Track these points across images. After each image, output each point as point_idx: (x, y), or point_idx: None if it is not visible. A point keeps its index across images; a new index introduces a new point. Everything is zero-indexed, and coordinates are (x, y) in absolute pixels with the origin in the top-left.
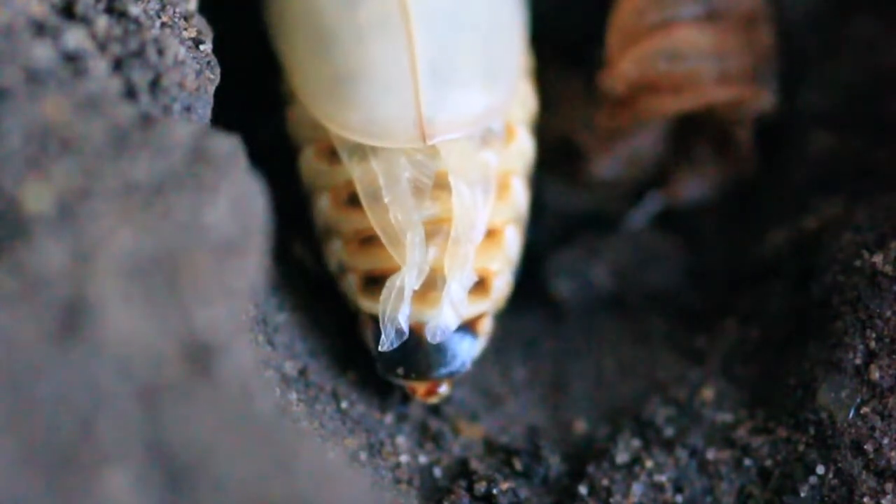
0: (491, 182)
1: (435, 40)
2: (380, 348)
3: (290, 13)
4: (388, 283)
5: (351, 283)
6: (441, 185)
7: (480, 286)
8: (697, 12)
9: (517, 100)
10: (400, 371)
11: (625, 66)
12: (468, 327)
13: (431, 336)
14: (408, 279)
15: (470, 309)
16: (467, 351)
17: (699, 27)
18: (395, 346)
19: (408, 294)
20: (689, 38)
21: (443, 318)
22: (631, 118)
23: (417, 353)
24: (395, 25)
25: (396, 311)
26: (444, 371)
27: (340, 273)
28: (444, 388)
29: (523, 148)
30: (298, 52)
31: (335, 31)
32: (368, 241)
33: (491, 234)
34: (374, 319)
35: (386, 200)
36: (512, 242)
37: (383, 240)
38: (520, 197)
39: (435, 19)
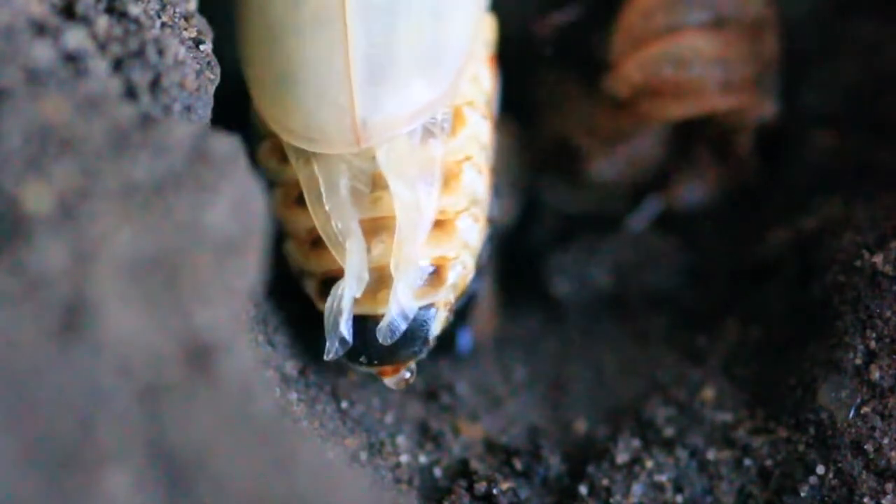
0: (434, 175)
1: (371, 34)
2: (325, 357)
3: (245, 5)
4: (332, 291)
5: (311, 289)
6: (382, 185)
7: (436, 275)
8: (704, 19)
9: (469, 81)
10: (363, 360)
11: (629, 69)
12: (426, 306)
13: (382, 338)
14: (347, 290)
15: (424, 300)
16: (425, 330)
17: (705, 34)
18: (340, 352)
19: (347, 302)
20: (694, 44)
21: (391, 319)
22: (632, 121)
23: (376, 340)
24: (332, 21)
25: (338, 320)
26: (405, 353)
27: (300, 277)
28: (408, 374)
29: (476, 132)
30: (248, 48)
31: (278, 29)
32: (319, 242)
33: (442, 224)
34: None
35: (326, 207)
36: (467, 230)
37: (326, 243)
38: (474, 184)
39: (373, 9)
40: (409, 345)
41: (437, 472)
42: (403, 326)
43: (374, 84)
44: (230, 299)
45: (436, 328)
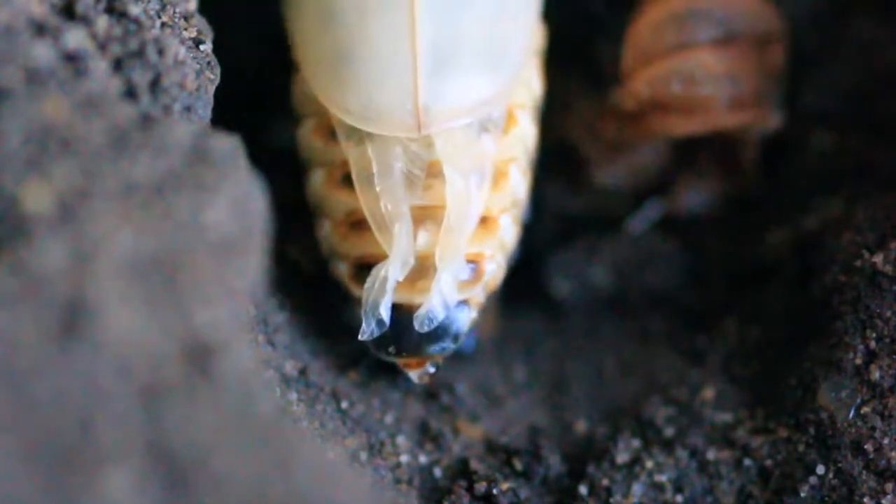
0: (486, 171)
1: (439, 21)
2: (360, 337)
3: None
4: (373, 272)
5: (342, 271)
6: (435, 173)
7: (474, 270)
8: (714, 35)
9: (521, 83)
10: (392, 350)
11: (638, 85)
12: (458, 302)
13: (419, 325)
14: (392, 270)
15: (462, 294)
16: (457, 326)
17: (715, 51)
18: (377, 334)
19: (391, 285)
20: (704, 62)
21: (431, 308)
22: (637, 134)
23: (408, 330)
24: (399, 5)
25: (378, 302)
26: (435, 348)
27: (331, 258)
28: (432, 369)
29: (524, 134)
30: (304, 25)
31: (340, 6)
32: (358, 225)
33: (485, 221)
34: None
35: (377, 189)
36: (506, 229)
37: (371, 225)
38: (517, 185)
39: None
40: (441, 339)
41: (437, 472)
42: (441, 317)
43: (439, 72)
44: (230, 299)
45: (465, 325)
